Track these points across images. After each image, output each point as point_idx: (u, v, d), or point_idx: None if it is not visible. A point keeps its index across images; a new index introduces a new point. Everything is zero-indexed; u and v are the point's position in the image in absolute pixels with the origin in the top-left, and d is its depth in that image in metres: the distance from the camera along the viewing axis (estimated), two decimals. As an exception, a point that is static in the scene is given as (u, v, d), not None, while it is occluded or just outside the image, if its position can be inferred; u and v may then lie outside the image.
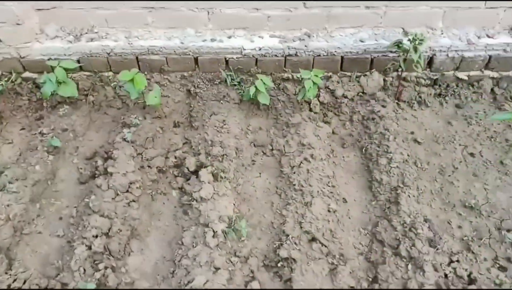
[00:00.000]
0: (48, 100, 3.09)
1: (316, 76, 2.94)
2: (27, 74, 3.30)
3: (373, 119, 3.05)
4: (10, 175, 2.52)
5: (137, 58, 3.22)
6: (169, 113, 3.09)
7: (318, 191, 2.53)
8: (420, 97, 3.35)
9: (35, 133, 2.98)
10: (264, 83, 2.95)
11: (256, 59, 3.27)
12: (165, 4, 3.12)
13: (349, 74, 3.34)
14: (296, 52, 3.23)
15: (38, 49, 3.14)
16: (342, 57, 3.29)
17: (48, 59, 3.18)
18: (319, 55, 3.27)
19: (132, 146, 2.71)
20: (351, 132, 3.06)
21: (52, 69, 3.11)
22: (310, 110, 3.15)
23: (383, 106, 3.15)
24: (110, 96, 3.16)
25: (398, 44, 3.00)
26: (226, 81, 3.30)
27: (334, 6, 3.19)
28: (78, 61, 3.21)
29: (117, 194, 2.42)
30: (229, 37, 3.23)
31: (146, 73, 3.29)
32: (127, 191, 2.46)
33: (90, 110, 3.09)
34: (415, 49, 2.91)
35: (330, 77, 3.35)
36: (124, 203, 2.40)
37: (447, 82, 3.40)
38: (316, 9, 3.21)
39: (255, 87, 2.94)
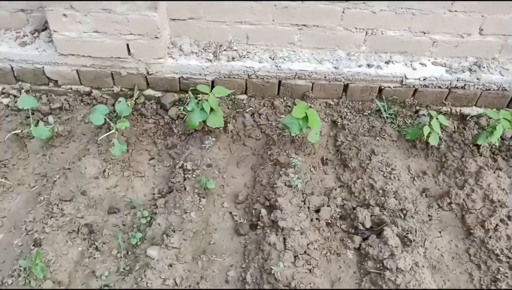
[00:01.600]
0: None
1: (506, 119, 2.50)
2: (149, 91, 2.93)
3: None
4: (164, 224, 2.15)
5: (279, 82, 2.82)
6: (316, 149, 2.68)
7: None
8: None
9: (169, 165, 2.61)
10: (440, 123, 2.51)
11: (416, 89, 2.84)
12: (319, 22, 2.71)
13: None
14: (465, 84, 2.79)
15: (170, 66, 2.76)
16: (515, 93, 2.85)
17: (180, 78, 2.81)
18: (489, 89, 2.83)
19: (294, 191, 2.31)
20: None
21: (184, 90, 2.75)
22: (480, 154, 2.70)
23: None
24: (249, 124, 2.76)
25: None
26: (376, 112, 2.88)
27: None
28: (212, 83, 2.83)
29: (296, 257, 2.02)
30: (387, 62, 2.80)
31: (285, 99, 2.89)
32: (305, 252, 2.06)
33: (229, 141, 2.70)
34: None
35: (493, 114, 2.90)
36: (306, 269, 2.00)
37: None
38: (492, 36, 2.77)
39: (430, 127, 2.51)
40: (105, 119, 2.54)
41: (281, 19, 2.72)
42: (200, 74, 2.78)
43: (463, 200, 2.42)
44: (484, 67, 2.81)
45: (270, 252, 2.04)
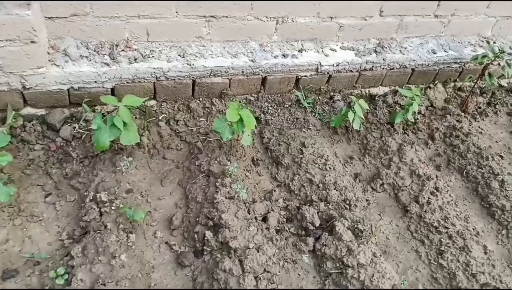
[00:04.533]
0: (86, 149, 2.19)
1: (417, 95, 2.62)
2: (28, 110, 2.31)
3: (457, 136, 2.87)
4: (89, 279, 1.68)
5: (194, 82, 2.49)
6: (246, 150, 2.46)
7: (461, 231, 2.25)
8: (479, 108, 3.28)
9: (74, 200, 2.09)
10: (361, 107, 2.52)
11: (330, 76, 2.81)
12: (228, 12, 2.45)
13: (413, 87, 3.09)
14: (373, 66, 2.86)
15: (55, 76, 2.19)
16: (412, 70, 3.03)
17: (70, 89, 2.26)
18: (393, 68, 2.96)
19: (237, 203, 2.05)
20: (438, 152, 2.83)
21: (76, 103, 2.25)
22: (396, 131, 2.82)
23: (458, 121, 2.99)
24: (166, 134, 2.38)
25: (483, 56, 2.84)
26: (296, 103, 2.78)
27: (407, 14, 2.90)
28: (112, 90, 2.36)
29: (257, 278, 1.78)
30: (300, 51, 2.70)
31: (201, 100, 2.58)
32: (265, 270, 1.83)
33: (146, 158, 2.28)
34: (508, 63, 2.79)
35: (397, 91, 3.07)
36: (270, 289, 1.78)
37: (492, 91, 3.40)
38: (390, 17, 2.88)
39: (354, 112, 2.50)
40: (-24, 155, 1.91)
41: (186, 11, 2.38)
42: (95, 81, 2.29)
43: (393, 179, 2.50)
44: (386, 48, 2.93)
45: (227, 280, 1.77)
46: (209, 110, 2.53)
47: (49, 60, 2.21)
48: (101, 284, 1.71)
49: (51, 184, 2.17)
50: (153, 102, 2.51)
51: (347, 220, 2.12)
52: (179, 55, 2.44)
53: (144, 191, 2.16)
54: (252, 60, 2.54)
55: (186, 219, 2.10)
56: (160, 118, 2.45)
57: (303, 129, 2.63)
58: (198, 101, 2.55)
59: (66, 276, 1.75)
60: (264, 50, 2.62)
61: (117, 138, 2.06)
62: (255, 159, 2.48)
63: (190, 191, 2.19)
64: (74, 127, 2.30)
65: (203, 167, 2.25)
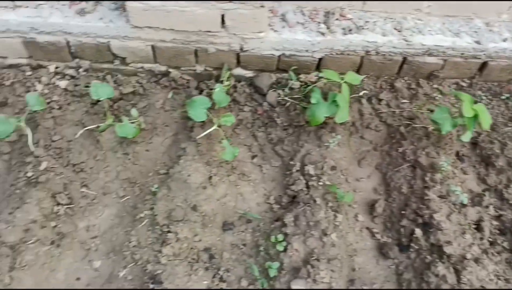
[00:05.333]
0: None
1: None
2: (238, 71, 2.39)
3: None
4: (303, 250, 1.78)
5: (404, 59, 2.32)
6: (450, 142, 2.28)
7: None
8: None
9: (278, 166, 2.18)
10: None
11: None
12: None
13: None
14: None
15: (272, 41, 2.21)
16: None
17: (281, 55, 2.27)
18: None
19: (450, 205, 1.95)
20: None
21: (282, 69, 2.26)
22: None
23: None
24: (366, 112, 2.30)
25: None
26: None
27: None
28: (319, 61, 2.31)
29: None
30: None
31: (406, 79, 2.41)
32: (482, 286, 1.76)
33: (347, 134, 2.25)
34: None
35: None
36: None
37: None
38: None
39: None
40: (207, 114, 2.06)
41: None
42: (307, 50, 2.25)
43: None
44: None
45: (439, 286, 1.74)
46: (414, 92, 2.35)
47: (268, 25, 2.21)
48: (315, 259, 1.80)
49: (257, 146, 2.28)
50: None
51: None
52: (395, 29, 2.25)
53: (344, 170, 2.16)
54: (476, 42, 2.24)
55: (388, 208, 2.07)
56: (361, 94, 2.36)
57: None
58: (403, 80, 2.38)
59: (284, 244, 1.87)
60: (491, 30, 2.30)
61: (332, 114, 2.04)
62: (460, 154, 2.28)
63: (391, 179, 2.13)
64: (279, 94, 2.34)
65: (407, 156, 2.14)
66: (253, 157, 2.25)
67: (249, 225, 2.04)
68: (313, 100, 2.01)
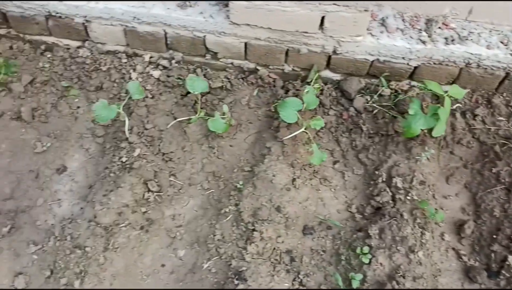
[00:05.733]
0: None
1: None
2: (326, 73, 2.36)
3: None
4: (388, 265, 1.76)
5: (507, 74, 2.19)
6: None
7: None
8: None
9: (361, 174, 2.15)
10: None
11: None
12: None
13: None
14: None
15: (368, 46, 2.15)
16: None
17: (374, 61, 2.21)
18: None
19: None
20: None
21: (373, 75, 2.20)
22: None
23: None
24: (459, 127, 2.20)
25: None
26: None
27: None
28: (414, 69, 2.23)
29: None
30: None
31: (505, 95, 2.28)
32: None
33: (436, 149, 2.18)
34: None
35: None
36: None
37: None
38: None
39: None
40: (297, 116, 2.05)
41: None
42: (403, 57, 2.17)
43: None
44: None
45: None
46: (514, 112, 2.23)
47: (367, 29, 2.16)
48: (400, 275, 1.77)
49: (339, 151, 2.25)
50: (447, 87, 2.32)
51: None
52: (501, 42, 2.13)
53: (432, 185, 2.09)
54: None
55: (477, 230, 1.99)
56: (455, 107, 2.26)
57: None
58: (501, 97, 2.24)
59: (369, 256, 1.85)
60: None
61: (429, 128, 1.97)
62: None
63: (482, 200, 2.04)
64: (367, 100, 2.29)
65: (502, 177, 2.04)
66: (335, 162, 2.23)
67: (329, 232, 2.03)
68: (411, 111, 1.95)
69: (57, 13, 2.20)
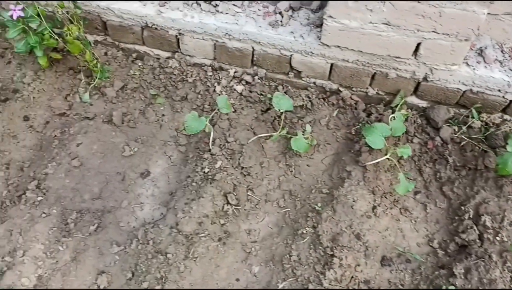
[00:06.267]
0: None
1: None
2: (412, 99, 2.30)
3: None
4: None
5: None
6: None
7: None
8: None
9: (444, 208, 2.07)
10: None
11: None
12: None
13: None
14: None
15: (462, 76, 2.07)
16: None
17: (467, 91, 2.13)
18: None
19: None
20: None
21: (462, 105, 2.11)
22: None
23: None
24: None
25: None
26: None
27: None
28: (508, 105, 2.12)
29: None
30: None
31: None
32: None
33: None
34: None
35: None
36: None
37: None
38: None
39: None
40: (384, 143, 2.02)
41: None
42: (499, 90, 2.08)
43: None
44: None
45: None
46: None
47: (464, 60, 2.09)
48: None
49: (421, 182, 2.17)
50: (543, 124, 2.19)
51: None
52: None
53: (520, 227, 1.97)
54: None
55: None
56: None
57: None
58: None
59: (453, 296, 1.77)
60: None
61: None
62: None
63: None
64: (455, 130, 2.20)
65: None
66: (416, 193, 2.15)
67: (408, 265, 1.96)
68: (509, 148, 1.86)
69: (154, 24, 2.31)
